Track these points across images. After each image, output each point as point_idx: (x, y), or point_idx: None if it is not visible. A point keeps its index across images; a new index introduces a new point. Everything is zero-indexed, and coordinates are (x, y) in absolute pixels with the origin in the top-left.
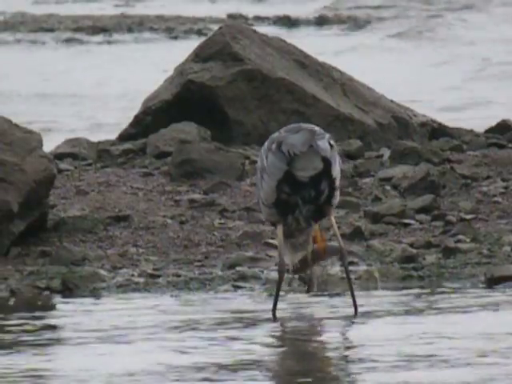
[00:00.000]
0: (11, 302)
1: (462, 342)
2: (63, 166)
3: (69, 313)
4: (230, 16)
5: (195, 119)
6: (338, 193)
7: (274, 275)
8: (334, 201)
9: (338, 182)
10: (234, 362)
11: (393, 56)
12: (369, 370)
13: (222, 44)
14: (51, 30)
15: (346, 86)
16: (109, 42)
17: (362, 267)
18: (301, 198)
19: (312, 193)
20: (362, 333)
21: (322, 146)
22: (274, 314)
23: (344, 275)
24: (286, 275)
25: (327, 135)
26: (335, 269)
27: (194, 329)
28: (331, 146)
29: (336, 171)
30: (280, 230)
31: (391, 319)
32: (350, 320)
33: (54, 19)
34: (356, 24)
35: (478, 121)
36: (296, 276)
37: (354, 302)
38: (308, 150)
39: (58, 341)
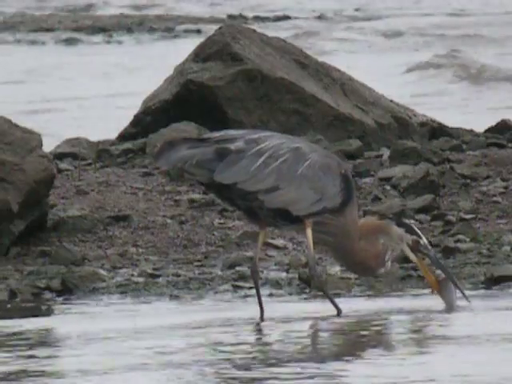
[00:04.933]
0: None
1: None
2: (63, 165)
3: None
4: (230, 16)
5: (195, 119)
6: (287, 196)
7: (274, 275)
8: (292, 206)
9: (259, 186)
10: None
11: None
12: None
13: (222, 44)
14: (51, 30)
15: (345, 85)
16: (108, 42)
17: None
18: (234, 204)
19: (237, 199)
20: None
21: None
22: (261, 313)
23: (343, 275)
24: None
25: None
26: (334, 269)
27: None
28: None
29: (246, 183)
30: (260, 233)
31: None
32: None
33: (54, 19)
34: None
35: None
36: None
37: (335, 305)
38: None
39: None
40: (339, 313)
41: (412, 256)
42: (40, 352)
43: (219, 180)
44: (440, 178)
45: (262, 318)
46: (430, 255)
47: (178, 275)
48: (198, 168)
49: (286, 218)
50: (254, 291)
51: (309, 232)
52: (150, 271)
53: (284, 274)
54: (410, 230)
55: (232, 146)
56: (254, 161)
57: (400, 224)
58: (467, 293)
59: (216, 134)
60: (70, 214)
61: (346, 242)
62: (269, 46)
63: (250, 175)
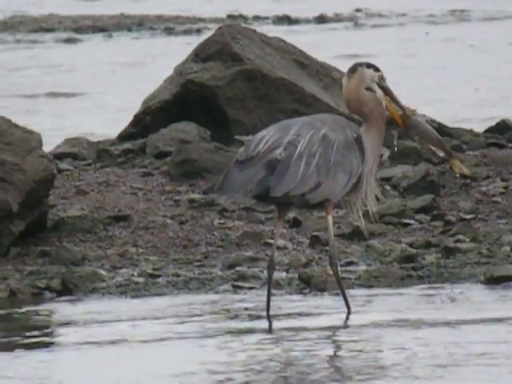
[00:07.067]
0: None
1: None
2: (63, 165)
3: None
4: (230, 16)
5: (195, 119)
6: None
7: (274, 275)
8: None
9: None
10: None
11: None
12: None
13: (222, 44)
14: (51, 30)
15: None
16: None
17: (362, 267)
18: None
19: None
20: None
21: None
22: (267, 313)
23: (343, 275)
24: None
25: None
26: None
27: None
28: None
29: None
30: (277, 223)
31: None
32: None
33: (54, 19)
34: None
35: None
36: (296, 276)
37: (346, 302)
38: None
39: None
40: (349, 311)
41: (380, 92)
42: None
43: (274, 195)
44: (440, 178)
45: (268, 312)
46: (387, 86)
47: (178, 275)
48: (256, 186)
49: (317, 205)
50: (253, 291)
51: (330, 219)
52: (149, 271)
53: (284, 274)
54: (376, 68)
55: (278, 156)
56: (298, 166)
57: (369, 65)
58: (467, 292)
59: (259, 148)
60: (70, 214)
61: (377, 134)
62: (268, 46)
63: (298, 181)
